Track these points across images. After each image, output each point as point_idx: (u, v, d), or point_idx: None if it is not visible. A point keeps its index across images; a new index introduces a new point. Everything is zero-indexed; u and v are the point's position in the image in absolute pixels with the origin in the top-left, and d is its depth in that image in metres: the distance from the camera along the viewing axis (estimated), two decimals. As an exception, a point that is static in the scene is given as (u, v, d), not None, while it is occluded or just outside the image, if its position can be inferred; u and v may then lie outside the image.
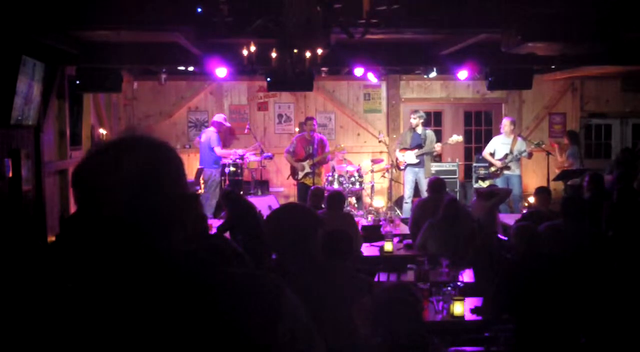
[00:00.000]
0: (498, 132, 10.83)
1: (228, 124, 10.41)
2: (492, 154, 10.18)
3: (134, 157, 1.23)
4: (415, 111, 10.19)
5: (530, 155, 9.94)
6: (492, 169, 10.15)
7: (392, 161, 10.42)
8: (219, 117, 10.15)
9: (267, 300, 1.24)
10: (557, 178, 10.01)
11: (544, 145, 10.02)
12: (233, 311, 1.20)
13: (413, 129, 10.03)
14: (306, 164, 9.80)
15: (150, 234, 1.23)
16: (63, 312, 1.22)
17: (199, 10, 4.54)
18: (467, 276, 5.24)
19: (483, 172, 10.68)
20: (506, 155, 9.99)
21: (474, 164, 11.16)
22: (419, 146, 9.91)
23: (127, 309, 1.18)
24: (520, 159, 10.01)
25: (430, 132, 10.14)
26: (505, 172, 10.03)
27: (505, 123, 10.16)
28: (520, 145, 9.97)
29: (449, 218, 6.16)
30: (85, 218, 1.25)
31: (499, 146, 10.15)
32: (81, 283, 1.25)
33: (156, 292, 1.19)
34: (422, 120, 10.02)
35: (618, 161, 10.20)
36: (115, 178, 1.21)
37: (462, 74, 8.84)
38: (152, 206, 1.23)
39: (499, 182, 9.80)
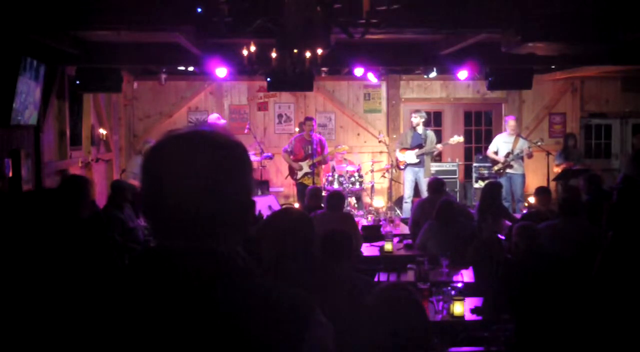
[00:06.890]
0: (498, 132, 10.84)
1: (221, 122, 10.30)
2: (496, 153, 10.24)
3: (209, 152, 1.23)
4: (417, 111, 10.24)
5: (530, 155, 9.95)
6: (495, 168, 10.17)
7: (392, 161, 10.42)
8: (212, 118, 10.12)
9: (292, 322, 1.20)
10: (557, 178, 10.01)
11: (543, 144, 10.02)
12: (255, 328, 1.17)
13: (414, 128, 10.05)
14: (305, 164, 9.78)
15: (210, 233, 1.22)
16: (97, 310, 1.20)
17: (199, 10, 4.53)
18: (467, 276, 5.24)
19: (486, 172, 10.69)
20: (508, 154, 10.03)
21: (474, 164, 11.17)
22: (420, 146, 9.92)
23: (152, 310, 1.16)
24: (522, 158, 10.04)
25: (430, 133, 10.16)
26: (508, 171, 10.06)
27: (510, 122, 10.21)
28: (522, 144, 10.02)
29: (445, 219, 6.17)
30: (148, 205, 1.25)
31: (501, 145, 10.20)
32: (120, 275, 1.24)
33: (185, 293, 1.17)
34: (423, 120, 10.05)
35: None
36: (186, 170, 1.20)
37: (462, 74, 8.83)
38: (218, 205, 1.22)
39: (502, 181, 9.80)
